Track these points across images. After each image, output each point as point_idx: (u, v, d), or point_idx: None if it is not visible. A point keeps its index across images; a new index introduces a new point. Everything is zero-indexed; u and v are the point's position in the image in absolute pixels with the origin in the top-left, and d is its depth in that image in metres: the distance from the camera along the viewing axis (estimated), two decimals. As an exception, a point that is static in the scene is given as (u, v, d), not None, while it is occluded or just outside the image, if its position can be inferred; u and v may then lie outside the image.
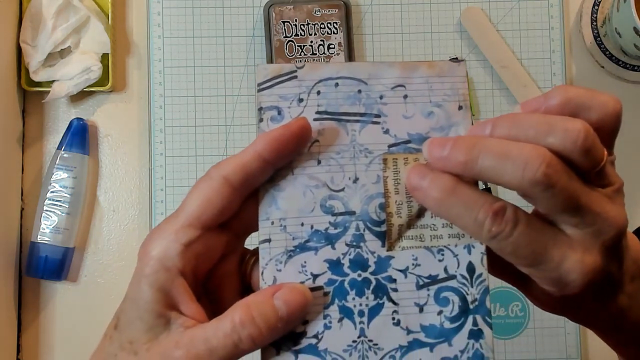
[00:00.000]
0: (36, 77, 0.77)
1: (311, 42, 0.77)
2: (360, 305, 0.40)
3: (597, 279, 0.37)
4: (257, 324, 0.37)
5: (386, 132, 0.41)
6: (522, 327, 0.79)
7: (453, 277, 0.40)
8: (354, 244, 0.40)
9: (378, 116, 0.42)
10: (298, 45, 0.77)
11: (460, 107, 0.42)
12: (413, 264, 0.40)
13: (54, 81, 0.78)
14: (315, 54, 0.77)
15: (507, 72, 0.80)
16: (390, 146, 0.41)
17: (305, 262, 0.40)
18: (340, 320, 0.39)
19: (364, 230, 0.40)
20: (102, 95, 0.81)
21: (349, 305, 0.40)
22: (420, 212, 0.41)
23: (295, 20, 0.77)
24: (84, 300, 0.79)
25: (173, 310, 0.39)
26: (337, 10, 0.78)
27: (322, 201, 0.41)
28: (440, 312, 0.40)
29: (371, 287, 0.40)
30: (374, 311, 0.39)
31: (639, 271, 0.41)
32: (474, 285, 0.40)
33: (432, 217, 0.40)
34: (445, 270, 0.40)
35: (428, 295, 0.40)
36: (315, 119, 0.41)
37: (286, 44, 0.77)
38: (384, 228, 0.40)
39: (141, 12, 0.81)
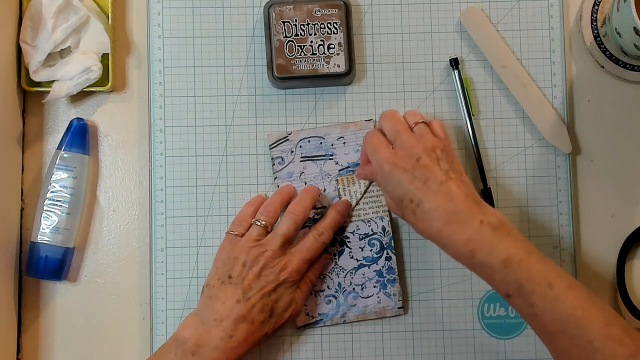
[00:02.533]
0: (36, 77, 0.77)
1: (311, 42, 0.77)
2: (333, 250, 0.78)
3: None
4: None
5: (337, 163, 0.79)
6: (522, 327, 0.79)
7: (375, 233, 0.78)
8: None
9: (332, 155, 0.79)
10: (298, 45, 0.77)
11: None
12: (357, 228, 0.78)
13: (54, 81, 0.78)
14: (315, 54, 0.77)
15: (507, 72, 0.80)
16: (339, 171, 0.79)
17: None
18: None
19: None
20: (102, 95, 0.81)
21: (328, 251, 0.78)
22: (357, 203, 0.78)
23: (295, 20, 0.77)
24: (84, 300, 0.79)
25: None
26: (337, 10, 0.78)
27: None
28: (370, 250, 0.78)
29: (338, 241, 0.78)
30: (341, 252, 0.78)
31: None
32: (386, 236, 0.78)
33: (362, 204, 0.78)
34: (372, 230, 0.78)
35: (365, 242, 0.78)
36: (301, 161, 0.79)
37: (286, 44, 0.77)
38: None
39: (141, 12, 0.81)
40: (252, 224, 0.74)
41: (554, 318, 0.63)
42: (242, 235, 0.74)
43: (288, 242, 0.74)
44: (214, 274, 0.73)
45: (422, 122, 0.71)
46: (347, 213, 0.77)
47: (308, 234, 0.75)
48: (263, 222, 0.74)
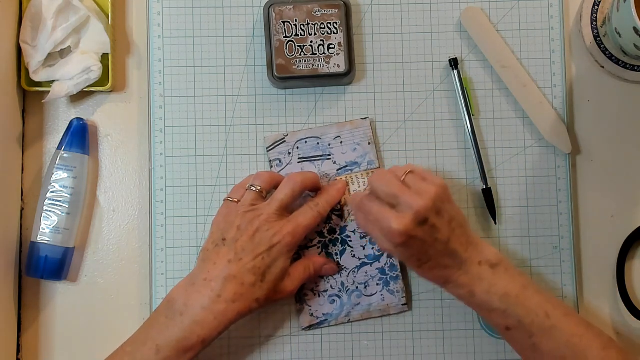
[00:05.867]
0: (36, 77, 0.77)
1: (311, 42, 0.77)
2: (335, 250, 0.78)
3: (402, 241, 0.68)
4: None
5: (334, 163, 0.79)
6: (522, 327, 0.79)
7: None
8: (327, 222, 0.78)
9: (329, 155, 0.79)
10: (298, 45, 0.77)
11: (369, 143, 0.79)
12: (357, 227, 0.78)
13: (54, 81, 0.78)
14: (315, 54, 0.77)
15: (507, 72, 0.80)
16: (337, 170, 0.79)
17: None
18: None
19: (331, 215, 0.78)
20: (102, 95, 0.81)
21: (330, 251, 0.78)
22: None
23: (295, 20, 0.77)
24: (84, 300, 0.79)
25: None
26: (337, 10, 0.78)
27: None
28: (372, 248, 0.78)
29: (339, 241, 0.78)
30: (342, 252, 0.78)
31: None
32: None
33: None
34: None
35: (366, 241, 0.78)
36: (298, 162, 0.79)
37: (286, 44, 0.77)
38: (340, 212, 0.78)
39: (141, 12, 0.81)
40: (247, 189, 0.74)
41: (553, 346, 0.68)
42: (239, 201, 0.74)
43: (284, 209, 0.73)
44: (209, 238, 0.73)
45: (410, 171, 0.70)
46: (344, 191, 0.77)
47: (304, 205, 0.75)
48: (258, 187, 0.73)
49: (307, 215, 0.73)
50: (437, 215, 0.68)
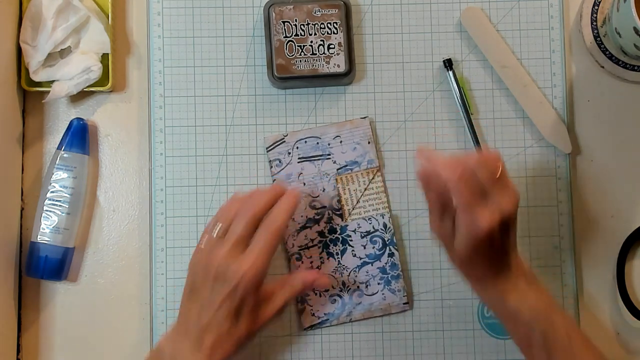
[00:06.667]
0: (36, 77, 0.77)
1: (311, 42, 0.77)
2: (336, 249, 0.78)
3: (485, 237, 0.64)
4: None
5: (334, 162, 0.79)
6: (522, 327, 0.79)
7: (376, 230, 0.78)
8: (328, 221, 0.79)
9: (329, 154, 0.79)
10: (298, 45, 0.77)
11: (369, 142, 0.79)
12: (358, 226, 0.79)
13: (54, 81, 0.78)
14: (315, 54, 0.77)
15: (507, 72, 0.80)
16: (338, 169, 0.79)
17: (306, 234, 0.78)
18: (327, 258, 0.79)
19: (331, 214, 0.79)
20: (102, 95, 0.81)
21: (330, 251, 0.78)
22: (357, 201, 0.78)
23: (295, 20, 0.77)
24: (84, 300, 0.79)
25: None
26: (337, 10, 0.78)
27: (309, 203, 0.79)
28: (373, 247, 0.78)
29: (340, 241, 0.79)
30: (343, 251, 0.78)
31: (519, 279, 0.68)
32: (387, 233, 0.78)
33: (362, 202, 0.78)
34: (373, 227, 0.78)
35: (367, 240, 0.78)
36: (298, 162, 0.79)
37: (286, 44, 0.77)
38: (340, 212, 0.79)
39: (141, 12, 0.81)
40: (209, 233, 0.71)
41: None
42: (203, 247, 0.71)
43: (242, 243, 0.69)
44: (186, 283, 0.71)
45: (502, 168, 0.66)
46: (295, 195, 0.71)
47: (259, 228, 0.69)
48: (219, 231, 0.70)
49: (265, 239, 0.68)
50: (513, 222, 0.66)
